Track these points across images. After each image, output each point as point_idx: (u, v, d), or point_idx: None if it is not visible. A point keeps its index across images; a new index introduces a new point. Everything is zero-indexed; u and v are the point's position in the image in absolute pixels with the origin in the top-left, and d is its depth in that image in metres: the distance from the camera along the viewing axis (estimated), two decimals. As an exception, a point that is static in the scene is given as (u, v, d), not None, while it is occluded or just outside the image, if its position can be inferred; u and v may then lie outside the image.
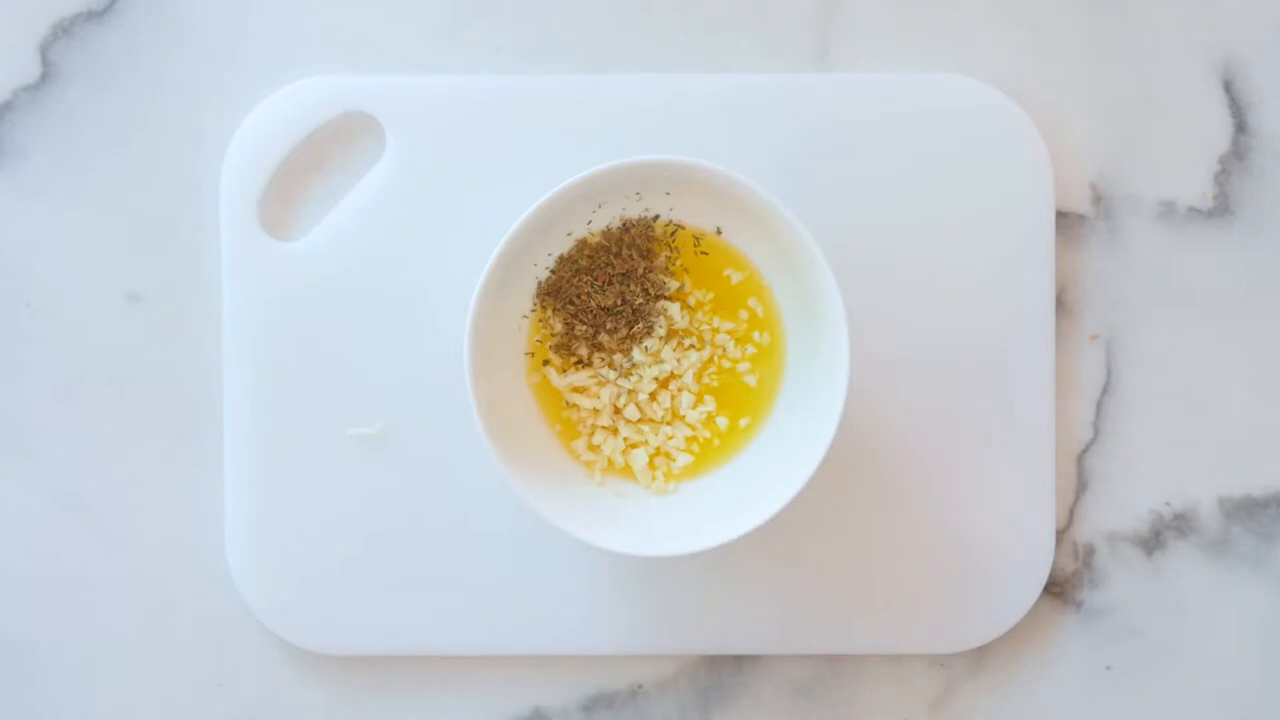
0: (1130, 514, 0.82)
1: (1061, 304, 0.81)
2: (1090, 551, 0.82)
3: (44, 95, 0.81)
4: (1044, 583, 0.80)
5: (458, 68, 0.81)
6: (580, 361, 0.78)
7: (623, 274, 0.78)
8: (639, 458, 0.78)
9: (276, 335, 0.80)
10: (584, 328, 0.78)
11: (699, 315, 0.78)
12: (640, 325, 0.77)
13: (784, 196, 0.74)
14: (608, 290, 0.78)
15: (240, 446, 0.80)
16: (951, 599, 0.80)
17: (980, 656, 0.82)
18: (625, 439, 0.78)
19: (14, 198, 0.81)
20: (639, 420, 0.78)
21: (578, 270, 0.78)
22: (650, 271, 0.78)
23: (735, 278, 0.78)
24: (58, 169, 0.81)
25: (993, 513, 0.80)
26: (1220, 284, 0.81)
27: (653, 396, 0.78)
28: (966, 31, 0.81)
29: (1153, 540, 0.82)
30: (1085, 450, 0.81)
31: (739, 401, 0.78)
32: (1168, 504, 0.82)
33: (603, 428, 0.78)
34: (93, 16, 0.81)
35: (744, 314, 0.78)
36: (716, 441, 0.79)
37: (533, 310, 0.78)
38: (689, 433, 0.78)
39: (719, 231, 0.78)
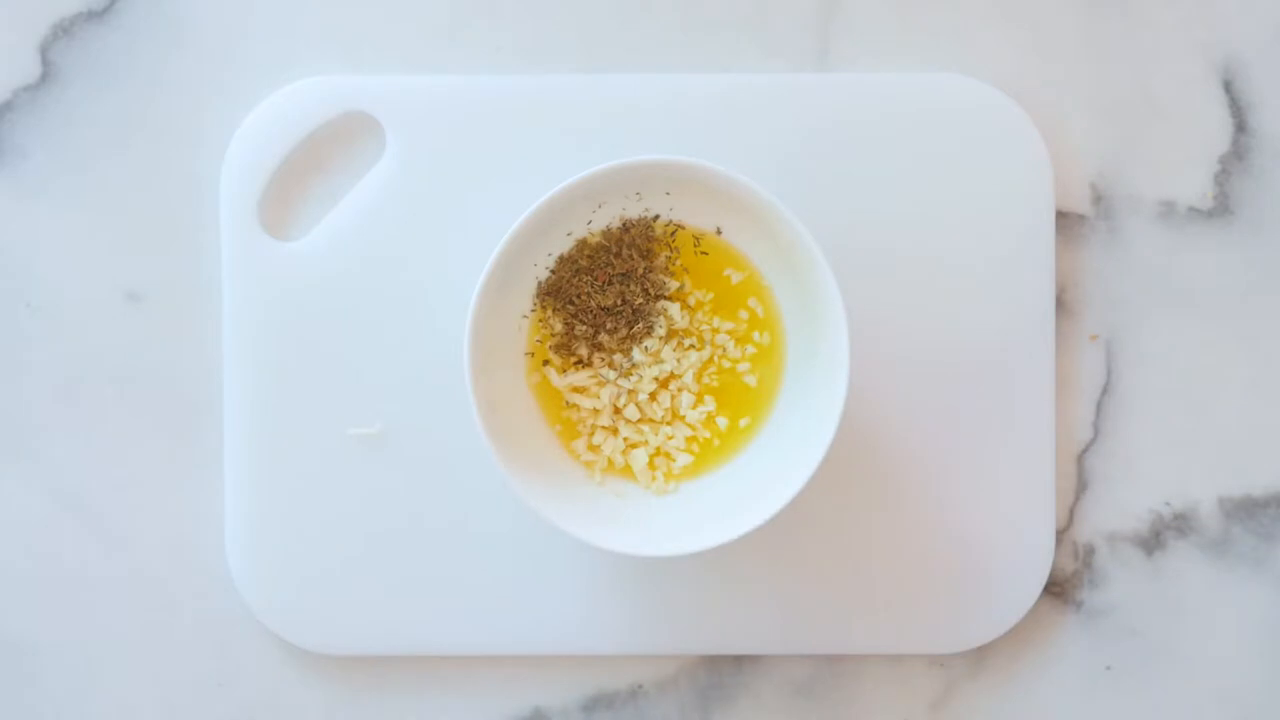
0: (1130, 514, 0.82)
1: (1061, 304, 0.81)
2: (1090, 551, 0.82)
3: (44, 95, 0.81)
4: (1044, 583, 0.80)
5: (458, 68, 0.81)
6: (580, 361, 0.78)
7: (623, 274, 0.78)
8: (639, 458, 0.78)
9: (276, 335, 0.80)
10: (584, 328, 0.78)
11: (699, 315, 0.78)
12: (640, 325, 0.77)
13: (784, 196, 0.74)
14: (608, 290, 0.78)
15: (240, 446, 0.80)
16: (951, 599, 0.80)
17: (980, 656, 0.82)
18: (625, 439, 0.78)
19: (14, 198, 0.81)
20: (639, 420, 0.78)
21: (578, 270, 0.78)
22: (650, 271, 0.78)
23: (735, 278, 0.78)
24: (58, 169, 0.81)
25: (993, 513, 0.80)
26: (1220, 284, 0.81)
27: (653, 396, 0.78)
28: (966, 31, 0.81)
29: (1153, 540, 0.82)
30: (1085, 450, 0.81)
31: (739, 401, 0.78)
32: (1168, 504, 0.82)
33: (603, 428, 0.78)
34: (93, 16, 0.81)
35: (744, 314, 0.78)
36: (716, 441, 0.79)
37: (533, 310, 0.78)
38: (689, 433, 0.78)
39: (719, 231, 0.78)
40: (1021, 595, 0.80)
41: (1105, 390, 0.81)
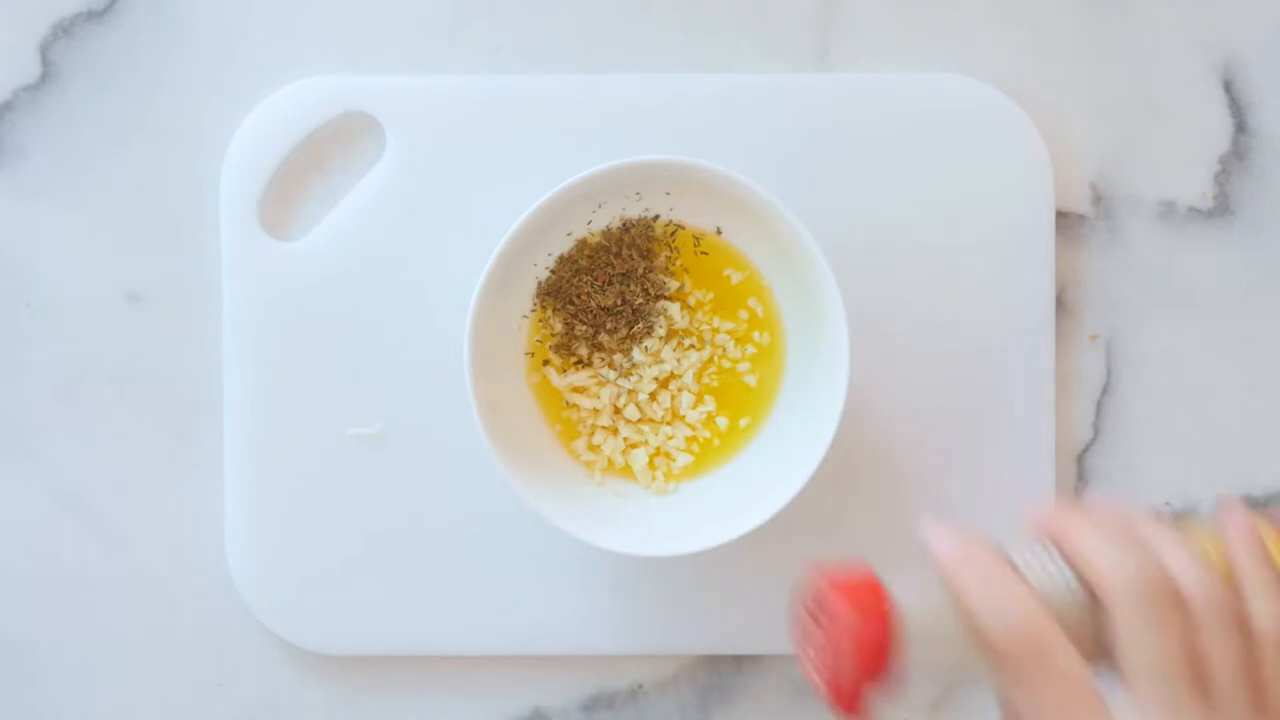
0: (1130, 514, 0.82)
1: (1061, 304, 0.81)
2: (1090, 551, 0.82)
3: (44, 95, 0.81)
4: (1044, 583, 0.80)
5: (458, 68, 0.81)
6: (580, 361, 0.78)
7: (623, 274, 0.78)
8: (639, 458, 0.78)
9: (276, 335, 0.80)
10: (584, 328, 0.78)
11: (699, 315, 0.78)
12: (640, 325, 0.77)
13: (784, 196, 0.74)
14: (608, 290, 0.78)
15: (240, 446, 0.80)
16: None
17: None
18: (625, 439, 0.78)
19: (14, 198, 0.81)
20: (639, 420, 0.78)
21: (578, 270, 0.78)
22: (650, 271, 0.78)
23: (735, 278, 0.78)
24: (58, 169, 0.81)
25: (993, 513, 0.80)
26: (1220, 284, 0.81)
27: (653, 396, 0.78)
28: (966, 31, 0.81)
29: (1153, 540, 0.82)
30: (1085, 450, 0.81)
31: (739, 401, 0.78)
32: (1168, 504, 0.82)
33: (603, 428, 0.78)
34: (93, 16, 0.81)
35: (744, 314, 0.78)
36: (716, 441, 0.79)
37: (533, 310, 0.78)
38: (689, 433, 0.78)
39: (719, 231, 0.78)
40: (1021, 595, 0.80)
41: (1105, 390, 0.81)
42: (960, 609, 0.53)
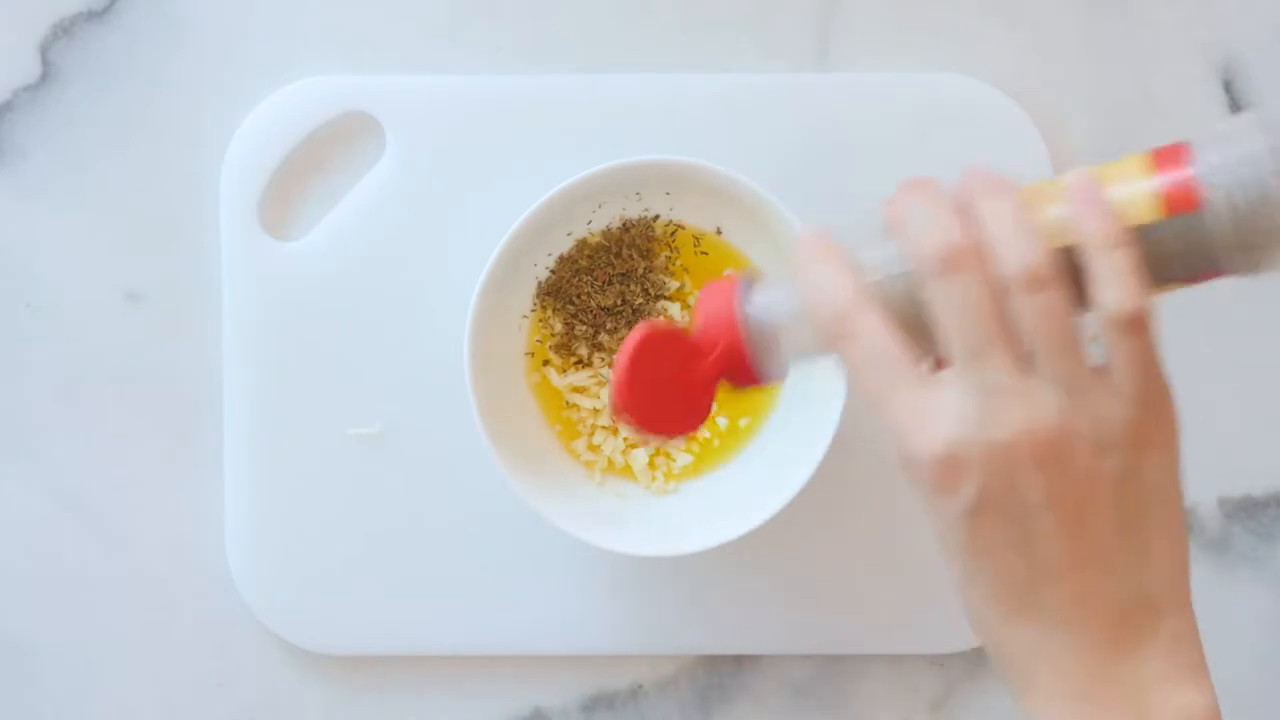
0: (1130, 514, 0.81)
1: (1061, 304, 0.81)
2: (1090, 551, 0.82)
3: (44, 95, 0.81)
4: (1044, 583, 0.80)
5: (458, 68, 0.81)
6: (580, 361, 0.78)
7: (623, 274, 0.78)
8: (639, 458, 0.78)
9: (276, 335, 0.80)
10: (584, 328, 0.78)
11: (699, 315, 0.78)
12: (640, 325, 0.77)
13: (784, 196, 0.74)
14: (608, 290, 0.78)
15: (240, 446, 0.80)
16: (951, 599, 0.80)
17: (980, 656, 0.82)
18: (625, 439, 0.78)
19: (14, 198, 0.81)
20: (639, 420, 0.78)
21: (578, 270, 0.78)
22: (650, 271, 0.78)
23: (735, 278, 0.78)
24: (58, 169, 0.81)
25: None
26: (1220, 284, 0.81)
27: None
28: (966, 31, 0.81)
29: (1153, 540, 0.82)
30: (1085, 450, 0.81)
31: (739, 401, 0.78)
32: (1168, 504, 0.82)
33: (603, 428, 0.78)
34: (93, 16, 0.81)
35: (744, 314, 0.78)
36: (716, 441, 0.79)
37: (533, 310, 0.78)
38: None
39: (719, 231, 0.78)
40: (1021, 595, 0.80)
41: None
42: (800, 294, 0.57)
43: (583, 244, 0.78)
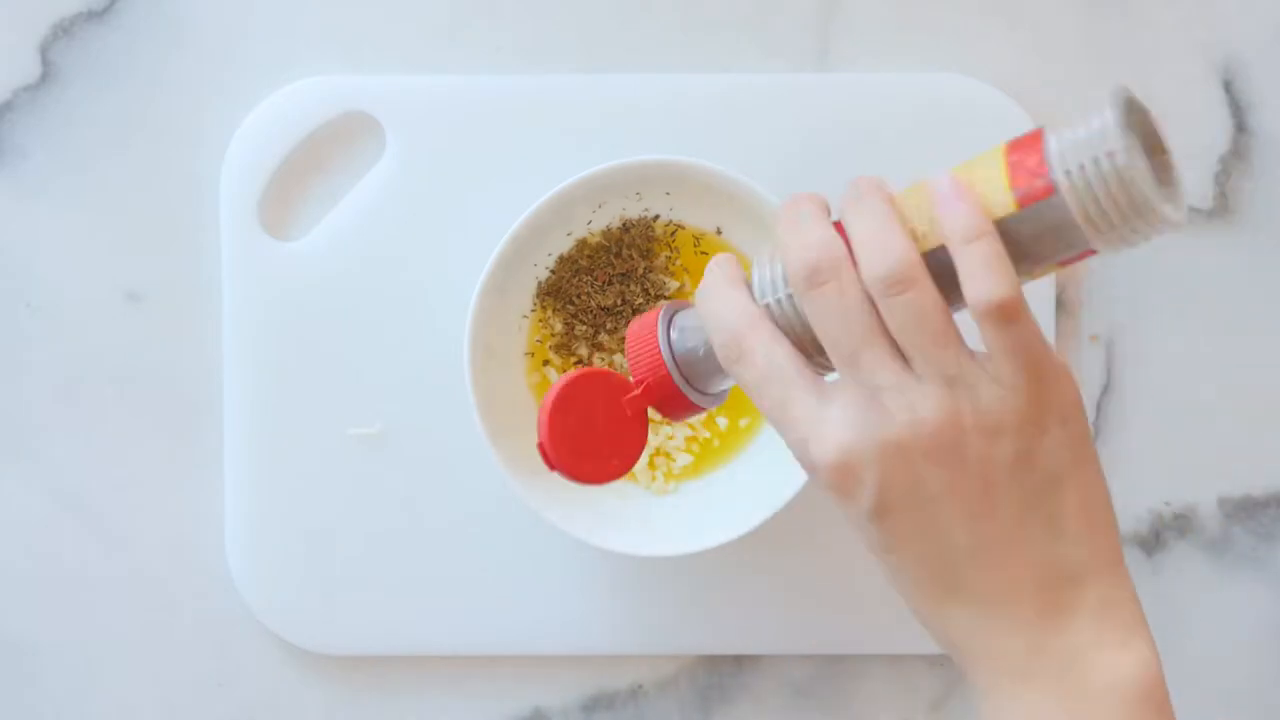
0: (1130, 514, 0.82)
1: (1061, 304, 0.81)
2: (1090, 551, 0.82)
3: (44, 95, 0.81)
4: (1044, 583, 0.80)
5: (458, 68, 0.81)
6: (580, 361, 0.78)
7: (623, 274, 0.78)
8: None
9: (276, 335, 0.80)
10: (584, 328, 0.78)
11: (699, 315, 0.78)
12: (640, 325, 0.77)
13: (784, 196, 0.73)
14: (608, 290, 0.78)
15: (240, 446, 0.80)
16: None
17: (980, 656, 0.82)
18: (625, 439, 0.78)
19: (14, 198, 0.81)
20: (639, 420, 0.78)
21: (578, 270, 0.78)
22: (650, 271, 0.78)
23: (735, 278, 0.78)
24: (58, 169, 0.81)
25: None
26: (1221, 284, 0.81)
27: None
28: (966, 31, 0.81)
29: (1153, 540, 0.82)
30: (1085, 450, 0.81)
31: (739, 401, 0.78)
32: (1168, 504, 0.82)
33: (603, 428, 0.78)
34: (93, 16, 0.81)
35: (744, 314, 0.78)
36: (716, 441, 0.79)
37: (533, 310, 0.78)
38: (689, 433, 0.78)
39: (719, 231, 0.78)
40: (1021, 595, 0.80)
41: (1105, 390, 0.81)
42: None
43: (583, 244, 0.78)
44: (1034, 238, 0.54)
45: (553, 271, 0.78)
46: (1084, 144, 0.52)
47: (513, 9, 0.81)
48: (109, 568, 0.82)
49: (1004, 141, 0.55)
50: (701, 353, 0.59)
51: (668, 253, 0.78)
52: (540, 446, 0.60)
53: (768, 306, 0.57)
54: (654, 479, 0.78)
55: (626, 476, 0.78)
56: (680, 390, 0.60)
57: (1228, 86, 0.81)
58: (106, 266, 0.81)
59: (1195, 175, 0.81)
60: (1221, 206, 0.81)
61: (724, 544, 0.74)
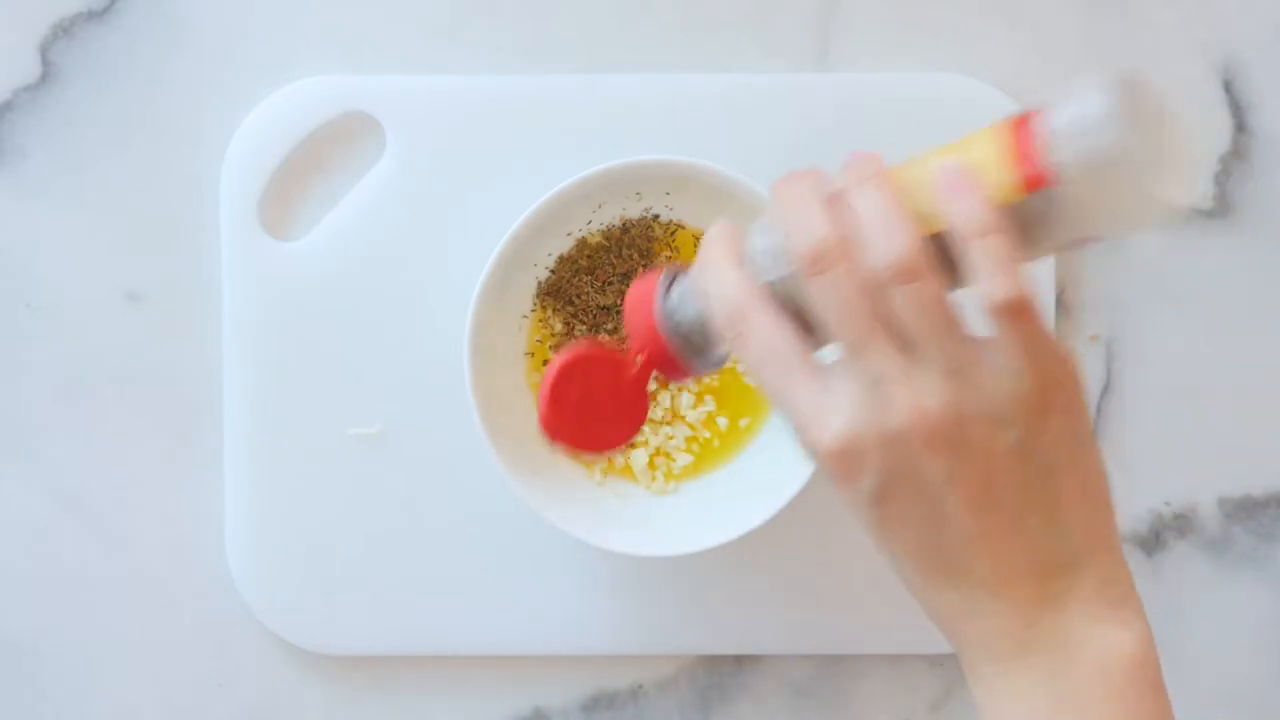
0: (1130, 514, 0.82)
1: (1061, 304, 0.81)
2: (1090, 551, 0.82)
3: (44, 95, 0.81)
4: (1044, 583, 0.80)
5: (458, 68, 0.81)
6: (580, 361, 0.78)
7: (623, 274, 0.78)
8: (639, 458, 0.78)
9: (276, 335, 0.80)
10: (584, 328, 0.78)
11: (699, 315, 0.78)
12: (640, 325, 0.77)
13: (784, 196, 0.74)
14: (608, 290, 0.78)
15: (240, 446, 0.80)
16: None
17: (980, 656, 0.82)
18: (625, 439, 0.78)
19: (14, 198, 0.81)
20: (639, 420, 0.78)
21: (578, 270, 0.78)
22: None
23: (735, 278, 0.78)
24: (58, 169, 0.81)
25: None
26: (1221, 284, 0.81)
27: (652, 396, 0.78)
28: (966, 31, 0.81)
29: (1153, 540, 0.82)
30: (1085, 450, 0.81)
31: (739, 401, 0.78)
32: (1168, 504, 0.82)
33: (603, 428, 0.78)
34: (93, 16, 0.81)
35: (744, 314, 0.78)
36: (716, 441, 0.79)
37: (533, 310, 0.78)
38: (689, 433, 0.78)
39: (719, 231, 0.78)
40: (1021, 595, 0.80)
41: (1105, 390, 0.81)
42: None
43: (583, 244, 0.78)
44: (1036, 224, 0.53)
45: (553, 271, 0.78)
46: (1084, 129, 0.52)
47: (513, 9, 0.81)
48: (109, 568, 0.82)
49: (1001, 121, 0.55)
50: (701, 321, 0.59)
51: (668, 253, 0.78)
52: (541, 419, 0.60)
53: (769, 284, 0.56)
54: (654, 479, 0.78)
55: (626, 476, 0.78)
56: (678, 357, 0.60)
57: (1228, 86, 0.81)
58: (106, 266, 0.81)
59: (1195, 175, 0.81)
60: (1221, 206, 0.81)
61: (724, 544, 0.74)
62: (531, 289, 0.78)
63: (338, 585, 0.80)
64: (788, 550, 0.80)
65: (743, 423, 0.79)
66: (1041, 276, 0.79)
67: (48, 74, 0.81)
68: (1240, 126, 0.81)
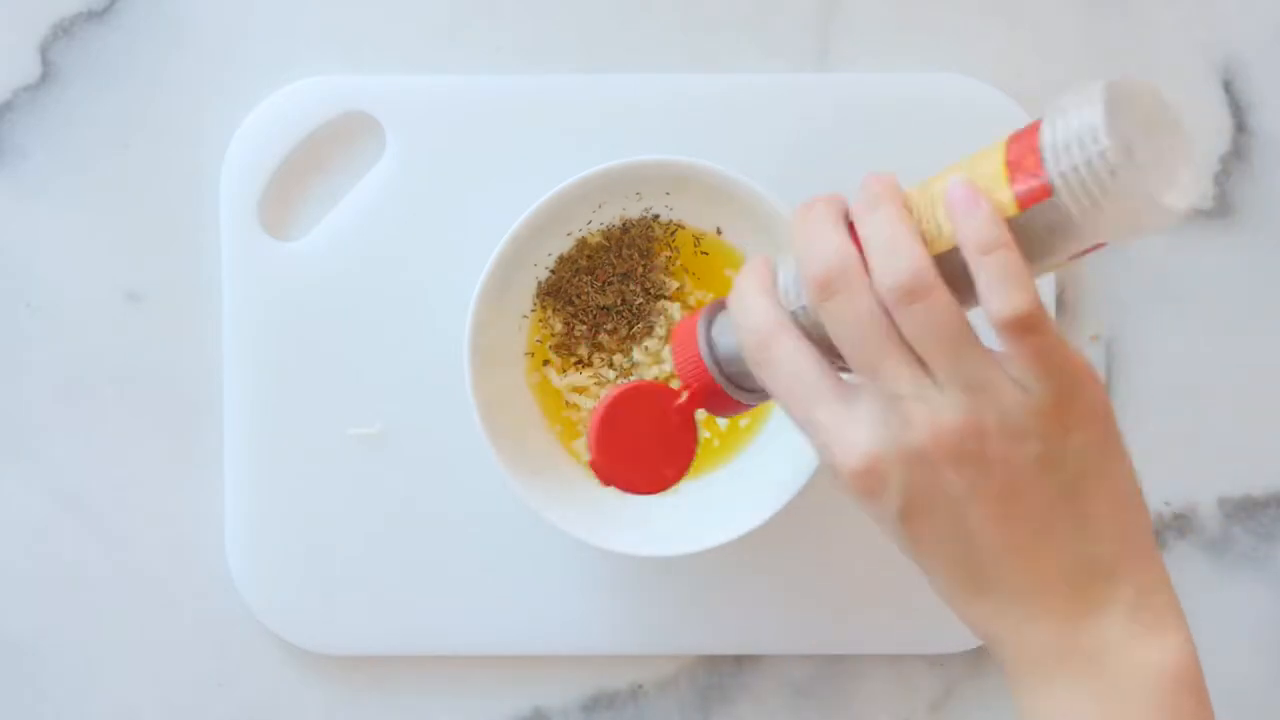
0: (1130, 514, 0.81)
1: (1061, 304, 0.81)
2: (1090, 551, 0.82)
3: (44, 95, 0.81)
4: (1044, 583, 0.80)
5: (458, 68, 0.81)
6: (580, 361, 0.78)
7: (623, 274, 0.78)
8: (639, 458, 0.78)
9: (276, 335, 0.80)
10: (584, 328, 0.78)
11: (699, 315, 0.78)
12: (640, 325, 0.77)
13: (784, 196, 0.74)
14: (608, 290, 0.78)
15: (240, 446, 0.80)
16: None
17: (980, 656, 0.82)
18: (625, 439, 0.78)
19: (14, 198, 0.81)
20: (639, 420, 0.78)
21: (578, 270, 0.78)
22: (650, 271, 0.78)
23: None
24: (58, 169, 0.81)
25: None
26: (1221, 284, 0.81)
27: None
28: (966, 31, 0.81)
29: (1153, 540, 0.82)
30: (1085, 450, 0.81)
31: (739, 401, 0.78)
32: (1168, 504, 0.82)
33: (603, 428, 0.78)
34: (93, 16, 0.81)
35: (744, 314, 0.78)
36: (716, 442, 0.79)
37: (533, 310, 0.78)
38: (689, 433, 0.78)
39: (719, 231, 0.78)
40: (1021, 595, 0.80)
41: (1105, 390, 0.81)
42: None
43: (583, 244, 0.78)
44: (1040, 237, 0.53)
45: (553, 271, 0.78)
46: (1076, 142, 0.52)
47: (513, 9, 0.81)
48: (109, 568, 0.82)
49: (1006, 136, 0.55)
50: (739, 352, 0.59)
51: (668, 253, 0.78)
52: (592, 463, 0.61)
53: (794, 313, 0.57)
54: (654, 479, 0.78)
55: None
56: (724, 391, 0.61)
57: (1228, 86, 0.81)
58: (106, 266, 0.81)
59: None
60: (1221, 206, 0.81)
61: (724, 544, 0.74)
62: (531, 289, 0.78)
63: (338, 585, 0.80)
64: (788, 550, 0.80)
65: (743, 423, 0.79)
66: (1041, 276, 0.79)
67: (48, 74, 0.81)
68: (1240, 126, 0.81)
